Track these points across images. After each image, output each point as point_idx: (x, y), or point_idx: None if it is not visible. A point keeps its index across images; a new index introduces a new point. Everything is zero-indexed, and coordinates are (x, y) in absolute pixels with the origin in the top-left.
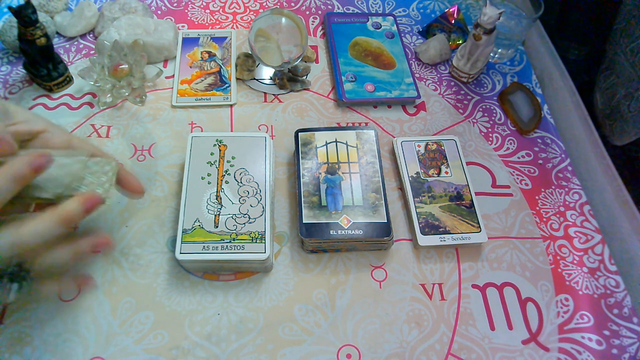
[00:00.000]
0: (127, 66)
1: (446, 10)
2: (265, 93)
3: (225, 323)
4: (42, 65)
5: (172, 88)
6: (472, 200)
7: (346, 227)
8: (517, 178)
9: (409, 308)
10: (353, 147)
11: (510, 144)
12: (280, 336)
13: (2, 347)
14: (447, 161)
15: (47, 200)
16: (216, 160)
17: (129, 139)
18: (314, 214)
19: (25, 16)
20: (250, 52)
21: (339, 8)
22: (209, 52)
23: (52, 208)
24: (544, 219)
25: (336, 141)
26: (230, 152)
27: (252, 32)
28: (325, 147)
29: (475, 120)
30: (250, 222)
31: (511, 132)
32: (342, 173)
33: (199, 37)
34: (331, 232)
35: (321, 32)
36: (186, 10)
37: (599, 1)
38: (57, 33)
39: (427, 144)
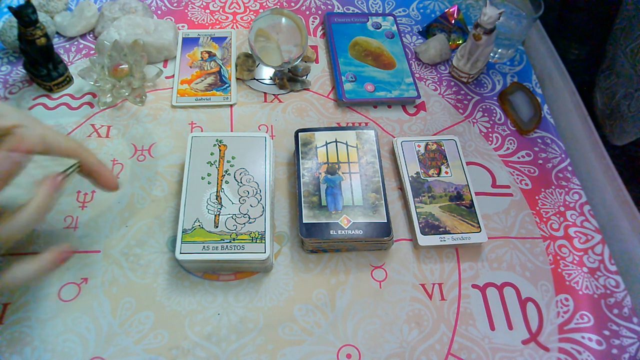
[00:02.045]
0: (127, 66)
1: (446, 10)
2: (265, 93)
3: (225, 323)
4: (42, 65)
5: (172, 88)
6: (472, 200)
7: (346, 227)
8: (517, 178)
9: (409, 308)
10: (353, 147)
11: (510, 144)
12: (280, 336)
13: (2, 347)
14: (447, 161)
15: None
16: (216, 160)
17: (129, 139)
18: (314, 214)
19: (25, 16)
20: (250, 52)
21: (339, 8)
22: (209, 52)
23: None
24: (544, 219)
25: (336, 141)
26: (230, 152)
27: (252, 32)
28: (325, 147)
29: (475, 120)
30: (250, 222)
31: (511, 132)
32: (342, 173)
33: (199, 37)
34: (331, 232)
35: (321, 32)
36: (186, 10)
37: (599, 1)
38: (57, 33)
39: (427, 144)
